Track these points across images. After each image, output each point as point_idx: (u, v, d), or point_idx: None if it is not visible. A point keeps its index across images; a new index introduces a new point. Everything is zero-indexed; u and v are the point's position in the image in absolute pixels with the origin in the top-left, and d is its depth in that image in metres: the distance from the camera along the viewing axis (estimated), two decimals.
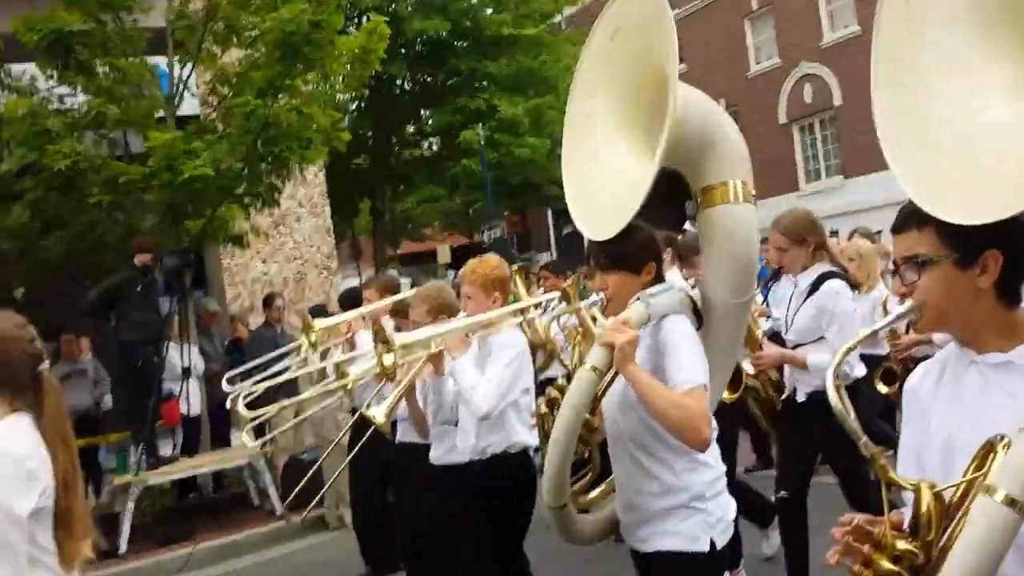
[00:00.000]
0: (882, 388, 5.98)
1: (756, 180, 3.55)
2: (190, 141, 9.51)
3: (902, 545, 1.82)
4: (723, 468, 3.15)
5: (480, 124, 21.47)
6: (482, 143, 21.13)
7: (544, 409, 3.16)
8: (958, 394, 2.05)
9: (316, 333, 5.96)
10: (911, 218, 2.06)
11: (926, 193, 1.99)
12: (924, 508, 1.82)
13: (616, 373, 2.92)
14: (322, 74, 10.92)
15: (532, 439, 4.45)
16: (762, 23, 32.46)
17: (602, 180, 3.28)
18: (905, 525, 1.87)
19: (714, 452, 3.07)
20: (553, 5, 23.96)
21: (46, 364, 2.84)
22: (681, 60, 3.42)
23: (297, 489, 5.49)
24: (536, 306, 5.15)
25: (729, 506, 3.13)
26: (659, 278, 3.21)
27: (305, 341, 6.06)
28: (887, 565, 1.82)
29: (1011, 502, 1.63)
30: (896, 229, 2.12)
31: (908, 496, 1.92)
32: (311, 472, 5.37)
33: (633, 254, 3.16)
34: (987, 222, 1.89)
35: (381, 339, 4.11)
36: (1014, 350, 1.97)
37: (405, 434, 5.23)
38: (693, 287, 3.94)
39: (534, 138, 21.31)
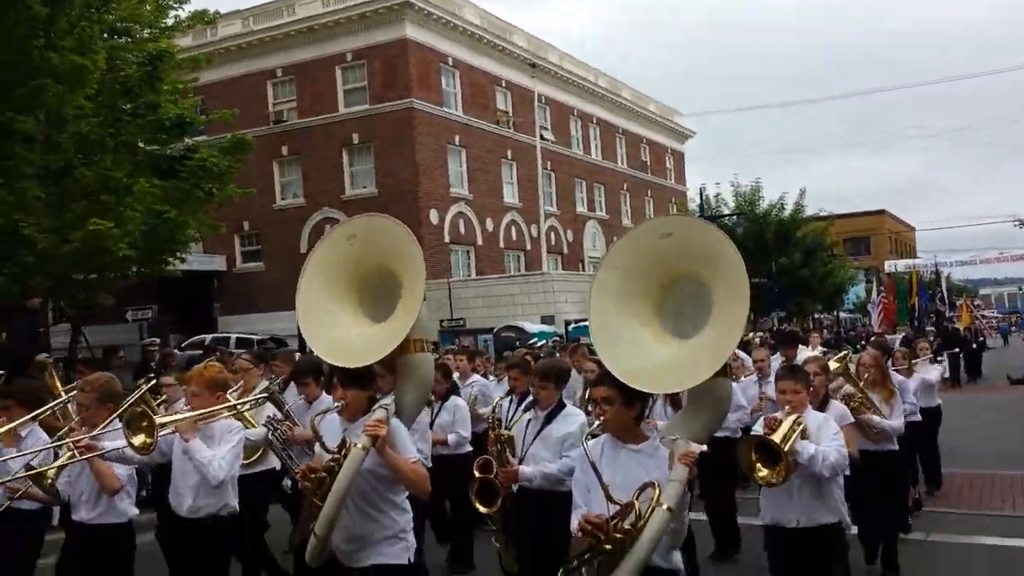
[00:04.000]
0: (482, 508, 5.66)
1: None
2: None
3: (619, 534, 3.51)
4: (411, 513, 4.51)
5: None
6: None
7: (323, 474, 4.18)
8: (615, 461, 3.87)
9: None
10: (606, 380, 3.87)
11: (621, 373, 3.79)
12: (635, 514, 3.52)
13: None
14: None
15: (236, 504, 5.31)
16: (291, 167, 34.47)
17: (335, 331, 4.52)
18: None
19: (407, 503, 4.46)
20: None
21: None
22: None
23: None
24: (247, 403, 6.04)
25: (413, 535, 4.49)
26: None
27: None
28: (615, 536, 3.50)
29: (669, 509, 3.46)
30: (595, 383, 3.95)
31: None
32: None
33: (366, 377, 4.45)
34: (640, 388, 3.79)
35: (138, 425, 4.72)
36: (641, 445, 3.87)
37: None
38: None
39: None
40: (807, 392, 5.33)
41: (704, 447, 3.79)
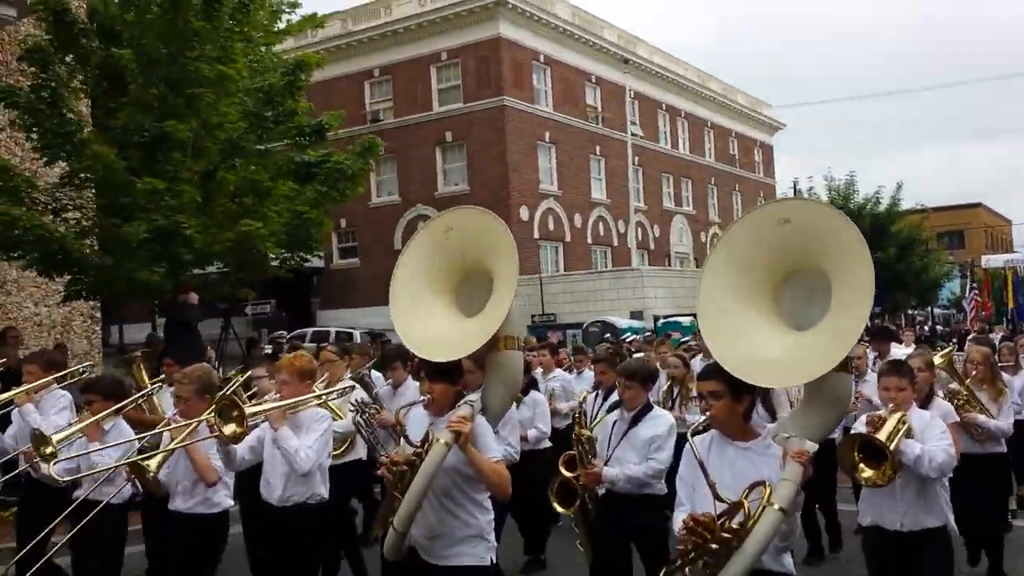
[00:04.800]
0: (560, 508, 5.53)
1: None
2: None
3: (726, 534, 3.29)
4: (492, 513, 4.28)
5: None
6: None
7: (405, 467, 4.03)
8: (722, 458, 3.63)
9: None
10: (713, 373, 3.62)
11: (731, 365, 3.53)
12: (744, 514, 3.31)
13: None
14: None
15: (327, 493, 5.19)
16: (386, 166, 34.66)
17: (426, 324, 4.31)
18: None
19: (488, 502, 4.24)
20: None
21: None
22: None
23: None
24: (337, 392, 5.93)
25: (494, 536, 4.27)
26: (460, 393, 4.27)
27: None
28: (723, 536, 3.28)
29: (782, 510, 3.21)
30: (703, 377, 3.70)
31: None
32: None
33: (454, 372, 4.26)
34: (754, 383, 3.55)
35: (230, 416, 4.59)
36: (751, 442, 3.61)
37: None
38: None
39: None
40: (912, 389, 4.95)
41: (817, 446, 3.48)
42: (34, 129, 12.73)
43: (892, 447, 4.29)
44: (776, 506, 3.26)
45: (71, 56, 12.88)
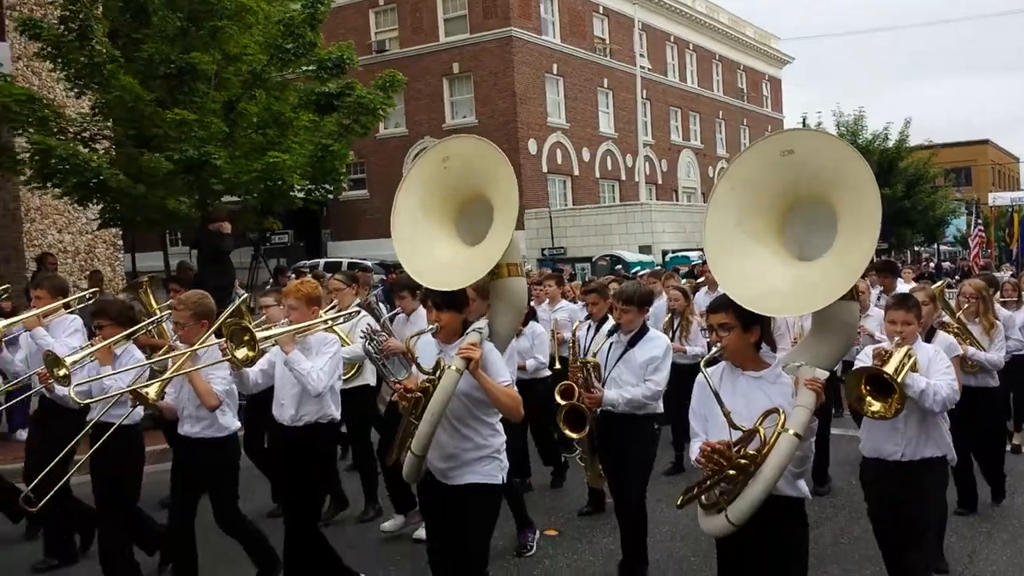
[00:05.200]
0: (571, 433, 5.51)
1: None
2: None
3: (743, 460, 3.35)
4: (503, 436, 4.32)
5: None
6: None
7: (419, 394, 4.04)
8: (734, 388, 3.65)
9: None
10: (723, 305, 3.62)
11: (740, 297, 3.53)
12: (759, 440, 3.36)
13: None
14: None
15: (338, 413, 5.30)
16: (393, 97, 34.13)
17: (429, 255, 4.29)
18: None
19: (500, 425, 4.28)
20: None
21: None
22: None
23: None
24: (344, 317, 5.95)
25: (506, 456, 4.31)
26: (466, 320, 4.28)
27: None
28: (740, 462, 3.34)
29: (797, 435, 3.27)
30: (713, 309, 3.69)
31: None
32: None
33: (461, 300, 4.25)
34: (764, 313, 3.54)
35: (240, 338, 4.62)
36: (762, 371, 3.62)
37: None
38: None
39: None
40: (918, 323, 4.93)
41: (828, 373, 3.53)
42: (59, 60, 12.74)
43: (900, 380, 4.28)
44: (791, 431, 3.32)
45: None
